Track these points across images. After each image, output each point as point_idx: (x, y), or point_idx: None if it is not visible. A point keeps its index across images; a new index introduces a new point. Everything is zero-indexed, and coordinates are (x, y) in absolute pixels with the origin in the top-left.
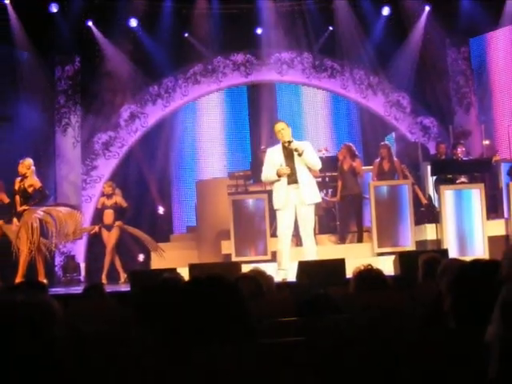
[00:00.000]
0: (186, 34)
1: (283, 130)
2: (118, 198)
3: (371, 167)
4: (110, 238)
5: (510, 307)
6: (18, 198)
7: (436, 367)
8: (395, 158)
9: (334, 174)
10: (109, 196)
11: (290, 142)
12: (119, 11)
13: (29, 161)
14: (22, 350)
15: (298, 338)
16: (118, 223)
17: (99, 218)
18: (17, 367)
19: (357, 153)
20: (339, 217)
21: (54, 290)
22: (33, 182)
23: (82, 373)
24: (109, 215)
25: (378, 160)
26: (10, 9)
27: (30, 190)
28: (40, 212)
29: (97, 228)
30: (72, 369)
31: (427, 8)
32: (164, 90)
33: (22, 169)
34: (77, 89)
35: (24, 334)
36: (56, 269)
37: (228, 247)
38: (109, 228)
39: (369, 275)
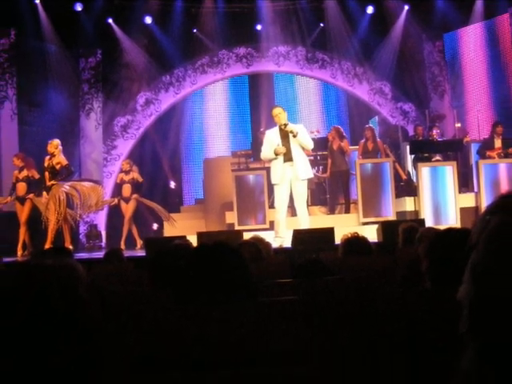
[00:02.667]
0: (195, 30)
1: (280, 114)
2: (135, 174)
3: (357, 147)
4: (128, 209)
5: (478, 269)
6: (47, 174)
7: (414, 322)
8: (378, 139)
9: (324, 152)
10: (127, 172)
11: (285, 125)
12: (136, 10)
13: (56, 141)
14: (52, 306)
15: (293, 297)
16: (134, 196)
17: (118, 191)
18: (48, 322)
19: (344, 134)
20: (329, 190)
21: (78, 255)
22: (60, 159)
23: (103, 327)
24: (127, 189)
25: (363, 141)
26: (39, 7)
27: (58, 166)
28: (66, 186)
29: (116, 200)
30: (95, 324)
31: (406, 7)
32: (175, 79)
33: (50, 148)
34: (98, 78)
35: (53, 292)
36: (80, 236)
37: (231, 217)
38: (127, 200)
39: (355, 242)
